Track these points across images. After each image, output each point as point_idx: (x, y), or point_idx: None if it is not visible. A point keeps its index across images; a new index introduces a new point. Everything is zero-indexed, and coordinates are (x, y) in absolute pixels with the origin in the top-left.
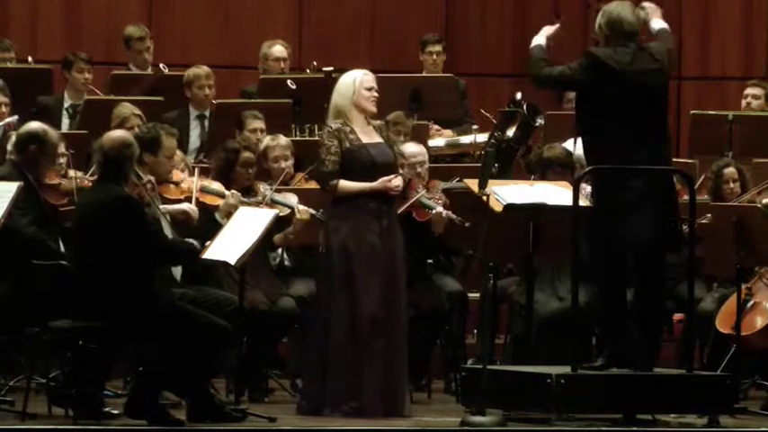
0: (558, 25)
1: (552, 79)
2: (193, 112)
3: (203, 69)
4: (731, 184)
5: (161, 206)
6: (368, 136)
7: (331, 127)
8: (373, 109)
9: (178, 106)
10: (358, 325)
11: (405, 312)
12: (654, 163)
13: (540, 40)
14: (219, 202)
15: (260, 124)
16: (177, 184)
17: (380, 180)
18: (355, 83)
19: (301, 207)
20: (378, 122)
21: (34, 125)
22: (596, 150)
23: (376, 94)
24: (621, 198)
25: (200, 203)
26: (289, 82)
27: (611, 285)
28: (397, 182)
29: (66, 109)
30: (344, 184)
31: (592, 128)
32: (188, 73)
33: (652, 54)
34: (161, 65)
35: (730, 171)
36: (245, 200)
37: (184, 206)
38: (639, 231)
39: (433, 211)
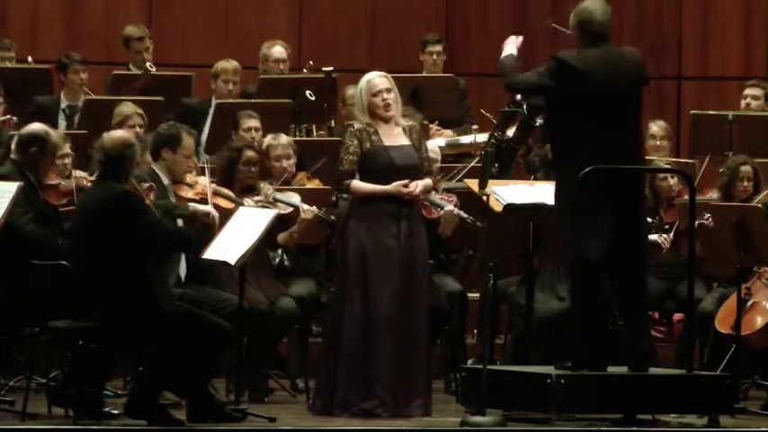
0: (521, 37)
1: (524, 84)
2: (215, 104)
3: (231, 64)
4: (745, 183)
5: (190, 205)
6: (392, 138)
7: (353, 126)
8: (387, 114)
9: (178, 107)
10: (370, 327)
11: (425, 315)
12: (624, 164)
13: (510, 50)
14: (230, 205)
15: (255, 123)
16: (191, 185)
17: (395, 184)
18: (361, 94)
19: (306, 206)
20: (408, 124)
21: (36, 126)
22: (564, 152)
23: (386, 96)
24: (591, 205)
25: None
26: (308, 93)
27: (583, 290)
28: (413, 187)
29: (63, 110)
30: (357, 184)
31: (560, 131)
32: (216, 65)
33: (624, 56)
34: (148, 64)
35: (746, 169)
36: (254, 206)
37: (209, 208)
38: (610, 244)
39: (444, 209)
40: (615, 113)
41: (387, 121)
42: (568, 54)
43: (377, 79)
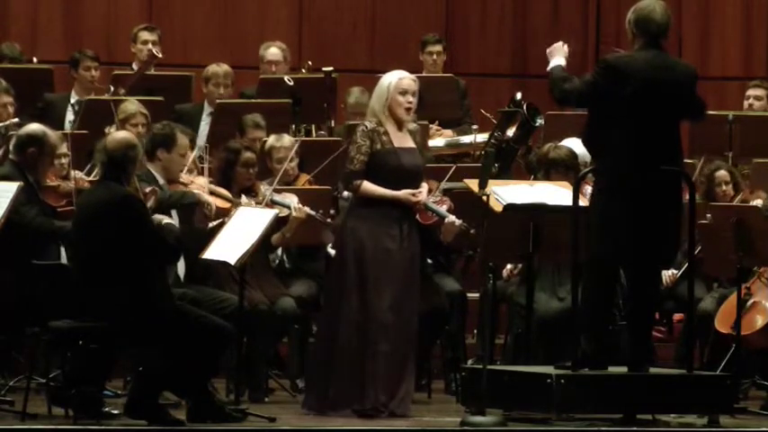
0: (566, 45)
1: (575, 96)
2: (207, 108)
3: (222, 68)
4: (723, 187)
5: (195, 192)
6: (400, 140)
7: (366, 126)
8: (406, 117)
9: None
10: (367, 329)
11: (415, 317)
12: (661, 172)
13: (558, 60)
14: (227, 205)
15: (260, 134)
16: (186, 184)
17: (405, 192)
18: (390, 87)
19: (298, 206)
20: (412, 126)
21: (34, 127)
22: (600, 153)
23: (411, 99)
24: (621, 205)
25: None
26: (286, 78)
27: (595, 287)
28: (421, 197)
29: (72, 105)
30: (367, 186)
31: (600, 134)
32: (207, 69)
33: (676, 68)
34: (155, 50)
35: (722, 174)
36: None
37: (212, 199)
38: (632, 247)
39: (446, 221)
40: (654, 120)
41: (400, 122)
42: (616, 56)
43: (409, 80)
